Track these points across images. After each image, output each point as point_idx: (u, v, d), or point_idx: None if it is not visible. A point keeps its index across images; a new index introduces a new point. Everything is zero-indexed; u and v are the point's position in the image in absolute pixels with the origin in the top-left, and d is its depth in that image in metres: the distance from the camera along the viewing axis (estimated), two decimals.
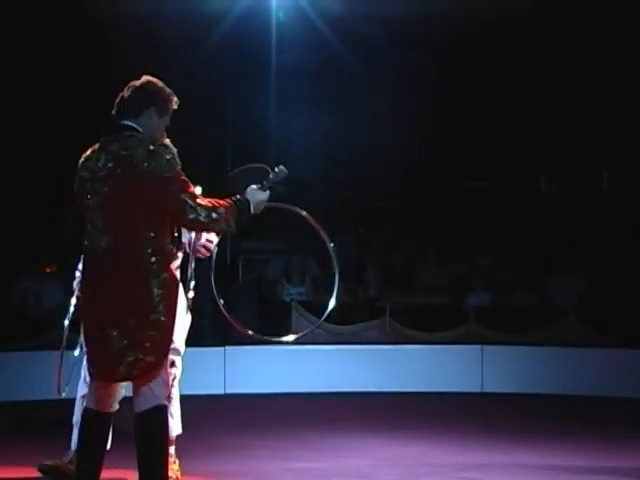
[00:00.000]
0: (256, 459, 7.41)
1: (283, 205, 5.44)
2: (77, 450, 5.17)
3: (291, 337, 5.28)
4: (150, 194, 4.82)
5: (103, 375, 4.93)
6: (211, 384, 11.58)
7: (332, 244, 5.40)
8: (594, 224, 15.21)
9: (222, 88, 15.02)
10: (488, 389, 11.83)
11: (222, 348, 11.96)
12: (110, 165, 4.88)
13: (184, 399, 6.57)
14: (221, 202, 4.99)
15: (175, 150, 5.03)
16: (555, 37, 14.62)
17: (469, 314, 12.95)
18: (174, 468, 6.34)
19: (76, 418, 6.32)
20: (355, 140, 15.55)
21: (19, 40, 13.58)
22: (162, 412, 4.93)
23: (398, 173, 16.04)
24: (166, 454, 5.01)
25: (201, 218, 4.86)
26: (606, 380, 11.51)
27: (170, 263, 4.96)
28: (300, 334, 5.17)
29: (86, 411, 5.06)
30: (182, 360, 6.46)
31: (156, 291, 4.82)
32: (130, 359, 4.80)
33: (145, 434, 4.89)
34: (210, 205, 4.92)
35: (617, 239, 14.65)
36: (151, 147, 4.86)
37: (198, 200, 4.88)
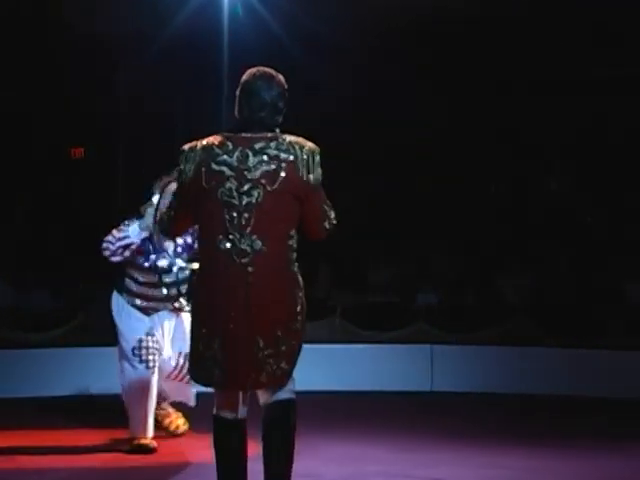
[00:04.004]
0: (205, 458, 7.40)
1: None
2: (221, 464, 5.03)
3: None
4: (302, 201, 4.74)
5: (238, 383, 4.82)
6: None
7: None
8: (543, 224, 15.36)
9: (173, 86, 14.99)
10: (437, 388, 11.89)
11: None
12: (268, 167, 4.68)
13: None
14: None
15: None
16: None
17: (419, 313, 13.02)
18: (179, 422, 7.48)
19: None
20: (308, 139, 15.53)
21: None
22: (295, 404, 4.96)
23: (349, 172, 16.08)
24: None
25: (329, 227, 4.95)
26: (554, 379, 11.61)
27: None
28: None
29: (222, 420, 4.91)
30: None
31: (299, 300, 4.88)
32: (271, 369, 4.77)
33: (286, 422, 4.89)
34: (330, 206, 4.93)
35: (566, 239, 14.80)
36: (312, 154, 4.76)
37: (331, 210, 4.91)
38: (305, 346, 12.46)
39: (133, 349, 7.37)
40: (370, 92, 15.64)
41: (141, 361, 7.31)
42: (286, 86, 4.89)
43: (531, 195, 16.48)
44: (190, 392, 7.60)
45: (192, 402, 7.65)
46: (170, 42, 13.89)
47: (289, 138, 4.78)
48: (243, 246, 4.67)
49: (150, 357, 7.34)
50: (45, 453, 7.44)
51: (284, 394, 4.91)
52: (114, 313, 7.52)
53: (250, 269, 4.67)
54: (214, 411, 4.97)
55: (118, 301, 7.47)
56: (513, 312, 12.98)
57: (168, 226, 5.09)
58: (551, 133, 16.50)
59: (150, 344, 7.35)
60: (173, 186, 6.37)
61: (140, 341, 7.36)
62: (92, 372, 11.01)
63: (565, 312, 12.81)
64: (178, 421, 7.90)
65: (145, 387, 7.30)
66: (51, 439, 8.09)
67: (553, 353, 12.02)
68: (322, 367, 11.73)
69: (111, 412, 8.68)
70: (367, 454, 7.67)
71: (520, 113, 16.10)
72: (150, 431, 7.43)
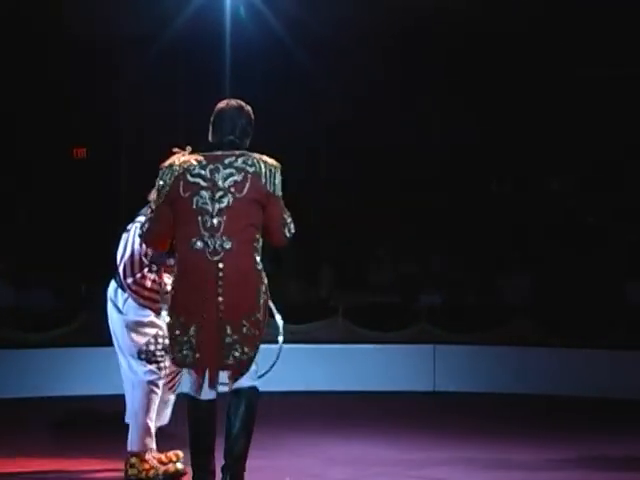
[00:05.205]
0: None
1: None
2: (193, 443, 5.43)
3: None
4: (264, 207, 5.37)
5: (208, 363, 5.35)
6: None
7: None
8: (543, 224, 15.37)
9: (175, 86, 15.00)
10: (440, 388, 11.91)
11: None
12: (236, 178, 5.35)
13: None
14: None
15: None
16: None
17: (421, 314, 13.03)
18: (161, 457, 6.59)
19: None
20: (309, 143, 15.59)
21: None
22: (258, 391, 5.50)
23: (350, 175, 16.11)
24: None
25: (289, 235, 5.50)
26: (556, 379, 11.64)
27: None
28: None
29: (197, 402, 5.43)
30: None
31: (262, 295, 5.39)
32: (237, 353, 5.34)
33: (247, 406, 5.41)
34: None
35: (567, 239, 14.80)
36: (273, 168, 5.41)
37: (290, 219, 5.49)
38: (307, 346, 12.49)
39: (139, 352, 6.56)
40: (370, 93, 15.64)
41: (150, 362, 6.54)
42: (253, 116, 5.59)
43: (532, 195, 16.48)
44: (167, 412, 6.75)
45: (166, 421, 6.77)
46: (172, 44, 13.89)
47: (255, 155, 5.45)
48: (215, 246, 5.32)
49: (160, 359, 6.56)
50: (45, 453, 7.45)
51: (247, 382, 5.46)
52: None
53: (221, 265, 5.31)
54: (187, 392, 5.51)
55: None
56: (513, 312, 12.99)
57: (149, 236, 5.59)
58: (551, 133, 16.50)
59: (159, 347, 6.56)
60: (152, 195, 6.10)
61: (148, 344, 6.57)
62: (92, 372, 11.03)
63: (565, 312, 12.81)
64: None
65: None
66: (51, 439, 8.10)
67: (554, 353, 12.04)
68: (324, 367, 11.76)
69: (111, 412, 8.68)
70: (369, 454, 7.68)
71: (520, 113, 16.10)
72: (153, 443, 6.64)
